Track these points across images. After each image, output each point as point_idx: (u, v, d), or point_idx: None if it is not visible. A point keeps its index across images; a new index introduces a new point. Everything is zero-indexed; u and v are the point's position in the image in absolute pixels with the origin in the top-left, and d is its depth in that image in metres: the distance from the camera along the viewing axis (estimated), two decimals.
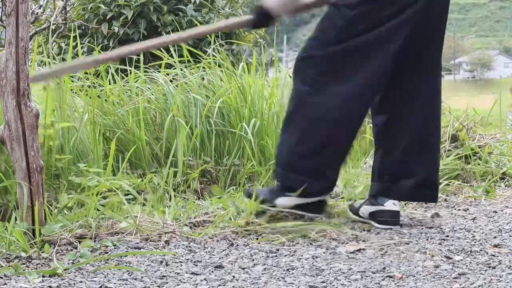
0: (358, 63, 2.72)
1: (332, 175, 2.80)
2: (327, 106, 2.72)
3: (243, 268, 2.20)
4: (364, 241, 2.54)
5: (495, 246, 2.48)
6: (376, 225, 2.77)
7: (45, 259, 2.22)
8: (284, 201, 2.79)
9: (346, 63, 2.72)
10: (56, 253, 2.27)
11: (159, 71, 4.12)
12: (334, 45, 2.72)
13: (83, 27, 6.03)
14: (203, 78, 4.02)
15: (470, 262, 2.27)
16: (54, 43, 5.99)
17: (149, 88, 3.89)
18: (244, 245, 2.48)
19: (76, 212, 2.62)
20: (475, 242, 2.55)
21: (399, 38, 2.72)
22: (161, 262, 2.24)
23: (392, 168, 2.86)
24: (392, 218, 2.78)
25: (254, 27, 2.98)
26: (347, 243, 2.51)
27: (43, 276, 2.08)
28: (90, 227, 2.48)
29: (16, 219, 2.37)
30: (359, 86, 2.73)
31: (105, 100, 3.71)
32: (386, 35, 2.71)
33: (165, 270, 2.16)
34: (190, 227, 2.65)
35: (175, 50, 4.18)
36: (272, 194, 2.80)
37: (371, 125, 4.64)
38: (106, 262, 2.23)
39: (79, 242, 2.37)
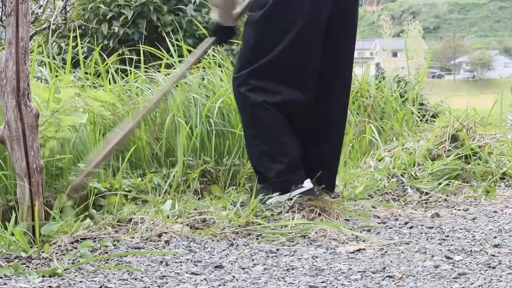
0: (284, 70, 2.89)
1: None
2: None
3: (243, 268, 2.20)
4: (364, 241, 2.54)
5: (495, 246, 2.48)
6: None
7: (45, 259, 2.22)
8: (274, 200, 2.88)
9: (273, 73, 2.88)
10: (56, 253, 2.27)
11: (159, 71, 4.12)
12: (258, 61, 2.88)
13: (83, 27, 6.02)
14: (203, 78, 4.02)
15: (470, 262, 2.27)
16: (54, 43, 5.99)
17: (149, 88, 3.89)
18: (244, 245, 2.48)
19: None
20: (475, 242, 2.55)
21: (315, 35, 2.89)
22: (161, 262, 2.24)
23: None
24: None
25: (220, 42, 3.32)
26: (347, 243, 2.51)
27: (43, 276, 2.08)
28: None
29: (16, 219, 2.37)
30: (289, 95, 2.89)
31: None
32: (301, 36, 2.86)
33: (165, 270, 2.16)
34: (190, 227, 2.65)
35: (175, 50, 4.18)
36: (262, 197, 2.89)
37: (370, 125, 4.65)
38: (106, 262, 2.23)
39: (79, 242, 2.37)
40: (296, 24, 2.85)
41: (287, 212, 2.82)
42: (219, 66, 4.12)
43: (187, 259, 2.28)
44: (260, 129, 2.94)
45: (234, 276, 2.11)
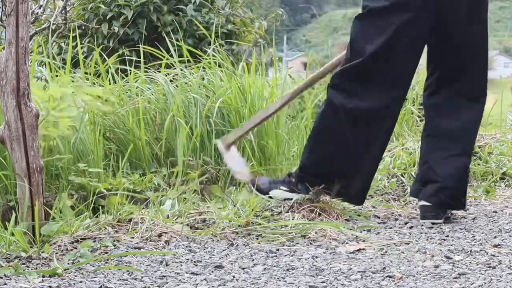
0: (370, 77, 2.78)
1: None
2: (342, 120, 2.82)
3: (243, 268, 2.20)
4: (364, 241, 2.54)
5: (495, 246, 2.48)
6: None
7: (45, 259, 2.22)
8: (278, 194, 2.93)
9: (359, 78, 2.79)
10: (56, 253, 2.27)
11: (159, 71, 4.12)
12: (349, 61, 2.80)
13: (83, 27, 6.02)
14: (203, 78, 4.02)
15: (470, 262, 2.27)
16: (54, 43, 5.99)
17: (149, 88, 3.89)
18: (244, 245, 2.48)
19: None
20: (475, 242, 2.55)
21: (412, 42, 2.77)
22: (161, 262, 2.24)
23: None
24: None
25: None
26: (347, 243, 2.51)
27: (43, 276, 2.08)
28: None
29: (16, 219, 2.37)
30: (375, 101, 2.80)
31: (105, 100, 3.71)
32: (392, 43, 2.74)
33: (165, 270, 2.16)
34: (190, 227, 2.65)
35: (175, 50, 4.18)
36: (269, 185, 2.97)
37: None
38: (106, 262, 2.23)
39: (79, 242, 2.37)
40: (391, 27, 2.73)
41: (287, 212, 2.83)
42: (219, 66, 4.12)
43: (187, 259, 2.28)
44: (321, 126, 2.90)
45: (234, 276, 2.11)
